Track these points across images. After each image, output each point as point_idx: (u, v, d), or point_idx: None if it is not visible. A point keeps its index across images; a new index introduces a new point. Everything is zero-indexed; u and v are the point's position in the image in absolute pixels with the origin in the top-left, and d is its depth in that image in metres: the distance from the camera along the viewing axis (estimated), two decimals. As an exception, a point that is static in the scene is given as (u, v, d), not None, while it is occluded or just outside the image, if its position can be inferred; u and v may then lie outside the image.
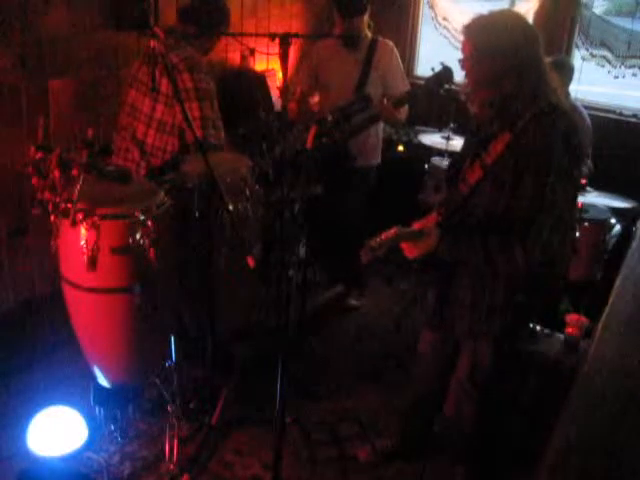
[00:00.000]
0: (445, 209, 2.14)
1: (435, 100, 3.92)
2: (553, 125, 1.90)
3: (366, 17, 3.32)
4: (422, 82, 3.00)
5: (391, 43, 3.47)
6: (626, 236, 3.25)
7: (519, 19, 1.99)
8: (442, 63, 2.76)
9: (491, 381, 2.22)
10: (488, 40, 1.91)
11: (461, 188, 2.09)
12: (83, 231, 2.00)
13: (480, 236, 1.95)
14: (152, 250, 2.08)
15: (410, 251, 2.05)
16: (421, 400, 2.49)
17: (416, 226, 2.08)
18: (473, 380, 2.22)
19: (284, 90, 2.19)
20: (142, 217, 2.06)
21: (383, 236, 2.02)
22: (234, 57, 3.99)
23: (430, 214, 2.18)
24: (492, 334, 2.13)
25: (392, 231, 2.02)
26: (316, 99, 3.63)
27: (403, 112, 3.30)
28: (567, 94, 3.78)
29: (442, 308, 2.22)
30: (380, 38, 3.42)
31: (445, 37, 4.56)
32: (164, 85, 2.59)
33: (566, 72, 3.72)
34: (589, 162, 3.68)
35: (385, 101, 3.12)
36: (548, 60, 3.77)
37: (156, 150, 2.72)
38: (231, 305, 2.75)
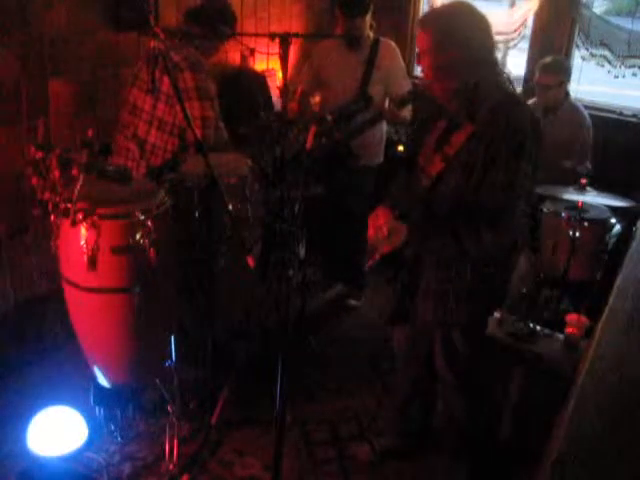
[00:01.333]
0: (406, 202, 2.15)
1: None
2: (521, 112, 1.95)
3: (368, 17, 3.32)
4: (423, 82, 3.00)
5: (393, 43, 3.47)
6: (626, 236, 3.25)
7: (473, 9, 2.00)
8: None
9: (470, 368, 2.22)
10: (447, 30, 1.92)
11: (422, 181, 2.11)
12: (83, 231, 2.00)
13: (448, 223, 1.98)
14: (152, 250, 2.08)
15: (382, 248, 2.04)
16: (411, 399, 2.50)
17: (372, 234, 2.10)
18: (451, 369, 2.23)
19: (284, 90, 2.19)
20: (142, 217, 2.06)
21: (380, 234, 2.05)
22: (234, 57, 3.99)
23: (377, 211, 2.14)
24: (462, 322, 2.15)
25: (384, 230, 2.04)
26: (317, 99, 3.63)
27: (407, 111, 3.31)
28: (567, 94, 3.78)
29: (408, 300, 2.25)
30: (382, 38, 3.43)
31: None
32: (165, 84, 2.59)
33: (564, 72, 3.72)
34: (588, 163, 3.68)
35: (387, 102, 3.11)
36: (547, 60, 3.80)
37: (157, 149, 2.72)
38: (231, 305, 2.75)
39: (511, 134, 1.90)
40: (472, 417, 2.31)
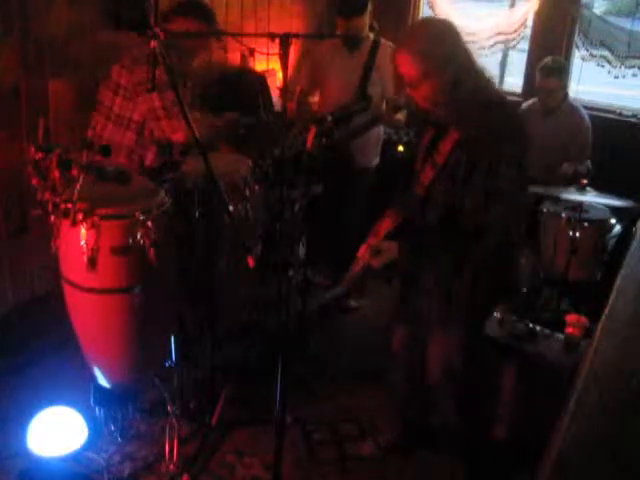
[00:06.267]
0: (404, 213, 2.19)
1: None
2: (498, 114, 1.96)
3: (367, 18, 3.32)
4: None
5: (393, 46, 3.47)
6: (626, 236, 3.25)
7: (444, 21, 2.04)
8: None
9: (466, 367, 2.23)
10: (438, 48, 1.92)
11: (417, 190, 2.15)
12: (83, 231, 2.00)
13: (437, 235, 2.03)
14: (152, 250, 2.08)
15: (373, 262, 2.08)
16: (410, 397, 2.51)
17: (371, 241, 2.14)
18: (448, 369, 2.23)
19: (284, 90, 2.19)
20: (142, 217, 2.06)
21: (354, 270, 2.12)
22: (234, 57, 3.99)
23: (383, 221, 2.23)
24: (461, 320, 2.17)
25: (359, 265, 2.10)
26: (316, 99, 3.63)
27: (402, 115, 3.32)
28: (566, 95, 3.79)
29: (409, 300, 2.27)
30: (383, 40, 3.43)
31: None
32: (123, 78, 2.55)
33: (565, 75, 3.74)
34: (588, 163, 3.68)
35: (384, 106, 3.12)
36: (548, 63, 3.80)
37: (112, 144, 2.64)
38: (231, 305, 2.75)
39: (490, 137, 1.92)
40: (462, 418, 2.32)
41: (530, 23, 4.27)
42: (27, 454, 2.18)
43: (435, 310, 2.17)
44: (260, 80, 4.02)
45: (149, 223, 2.07)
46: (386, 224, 2.22)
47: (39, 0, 2.76)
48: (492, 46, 4.40)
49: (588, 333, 2.50)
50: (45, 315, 2.94)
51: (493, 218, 1.95)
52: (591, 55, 4.10)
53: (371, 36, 3.41)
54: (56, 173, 1.97)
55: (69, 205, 1.98)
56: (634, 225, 3.06)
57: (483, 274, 2.10)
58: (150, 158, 2.64)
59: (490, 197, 1.93)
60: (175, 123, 2.52)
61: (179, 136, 2.54)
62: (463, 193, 1.98)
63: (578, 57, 4.19)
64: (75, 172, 1.96)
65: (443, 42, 1.94)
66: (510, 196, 1.95)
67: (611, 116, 4.13)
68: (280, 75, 2.15)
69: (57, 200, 2.01)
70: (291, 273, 2.91)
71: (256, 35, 3.78)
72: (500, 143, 1.91)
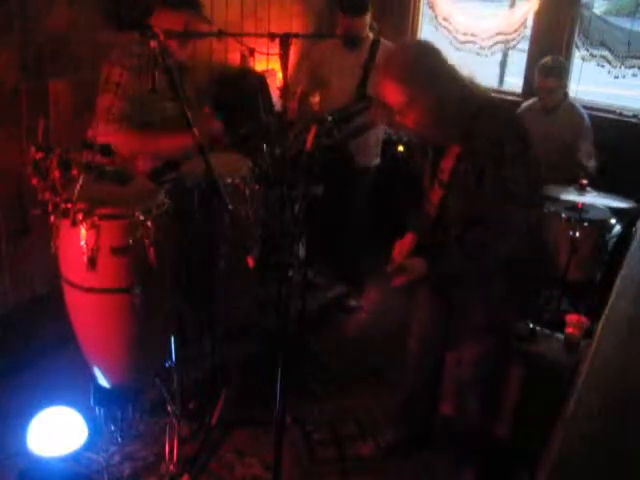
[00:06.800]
0: (420, 234, 2.21)
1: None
2: (491, 119, 1.95)
3: (368, 18, 3.32)
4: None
5: (394, 45, 3.48)
6: (626, 236, 3.25)
7: (421, 41, 2.08)
8: None
9: (496, 375, 2.24)
10: (419, 73, 1.92)
11: (429, 210, 2.15)
12: (83, 231, 2.00)
13: (459, 248, 2.01)
14: (152, 250, 2.08)
15: (398, 282, 2.09)
16: (418, 398, 2.51)
17: (397, 257, 2.15)
18: (479, 376, 2.23)
19: (284, 90, 2.19)
20: (142, 217, 2.06)
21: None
22: (234, 57, 3.99)
23: (405, 237, 2.24)
24: (503, 326, 2.19)
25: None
26: (317, 99, 3.63)
27: None
28: (566, 94, 3.79)
29: (450, 307, 2.26)
30: (383, 40, 3.43)
31: (445, 37, 4.56)
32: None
33: (565, 74, 3.74)
34: (593, 161, 3.67)
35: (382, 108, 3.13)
36: (547, 62, 3.80)
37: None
38: (231, 305, 2.75)
39: (488, 144, 1.91)
40: (481, 417, 2.33)
41: (530, 23, 4.27)
42: (27, 454, 2.18)
43: (468, 319, 2.19)
44: (260, 80, 4.02)
45: (149, 223, 2.07)
46: (407, 244, 2.22)
47: (39, 0, 2.76)
48: (492, 46, 4.39)
49: (588, 333, 2.50)
50: (45, 315, 2.95)
51: (514, 222, 1.95)
52: (591, 55, 4.10)
53: (371, 36, 3.41)
54: (56, 173, 1.97)
55: (69, 205, 1.98)
56: (634, 225, 3.06)
57: (511, 277, 2.09)
58: (140, 164, 2.61)
59: (504, 202, 1.92)
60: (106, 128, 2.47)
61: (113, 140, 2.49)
62: (476, 203, 1.97)
63: (578, 57, 4.19)
64: (75, 172, 1.96)
65: (423, 66, 1.93)
66: (524, 196, 1.94)
67: (611, 116, 4.13)
68: (280, 75, 2.15)
69: (57, 200, 2.01)
70: (291, 273, 2.91)
71: (256, 35, 3.77)
72: (499, 146, 1.90)
